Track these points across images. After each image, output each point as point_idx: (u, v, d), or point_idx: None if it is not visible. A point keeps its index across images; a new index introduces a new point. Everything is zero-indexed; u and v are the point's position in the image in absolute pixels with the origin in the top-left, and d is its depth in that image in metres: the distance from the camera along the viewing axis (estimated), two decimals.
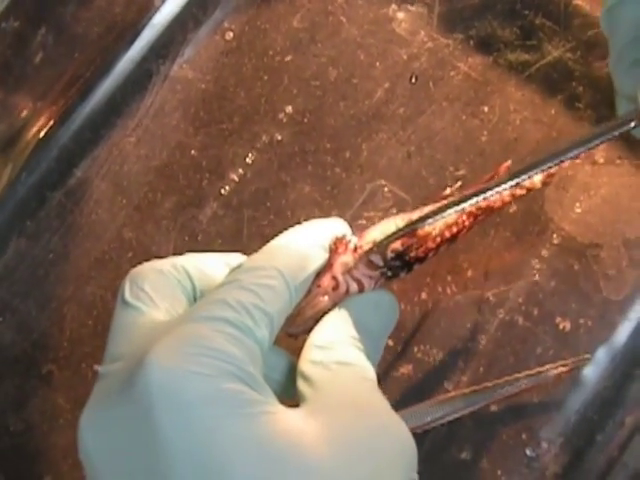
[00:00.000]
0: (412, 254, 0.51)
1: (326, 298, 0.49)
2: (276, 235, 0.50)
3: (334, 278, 0.50)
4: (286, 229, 0.50)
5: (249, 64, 0.69)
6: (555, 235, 0.63)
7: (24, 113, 0.69)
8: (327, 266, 0.50)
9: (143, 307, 0.45)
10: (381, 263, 0.50)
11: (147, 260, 0.48)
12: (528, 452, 0.60)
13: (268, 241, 0.49)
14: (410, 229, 0.50)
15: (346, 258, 0.50)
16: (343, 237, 0.51)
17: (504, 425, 0.61)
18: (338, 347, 0.47)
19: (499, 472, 0.60)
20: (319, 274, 0.50)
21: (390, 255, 0.50)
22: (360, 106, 0.68)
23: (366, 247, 0.51)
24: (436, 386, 0.62)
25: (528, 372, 0.60)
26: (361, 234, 0.52)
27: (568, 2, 0.67)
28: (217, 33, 0.70)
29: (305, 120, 0.68)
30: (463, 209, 0.49)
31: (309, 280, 0.48)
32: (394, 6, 0.69)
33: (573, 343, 0.61)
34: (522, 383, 0.60)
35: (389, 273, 0.51)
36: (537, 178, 0.57)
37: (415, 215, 0.51)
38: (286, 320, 0.48)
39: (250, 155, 0.68)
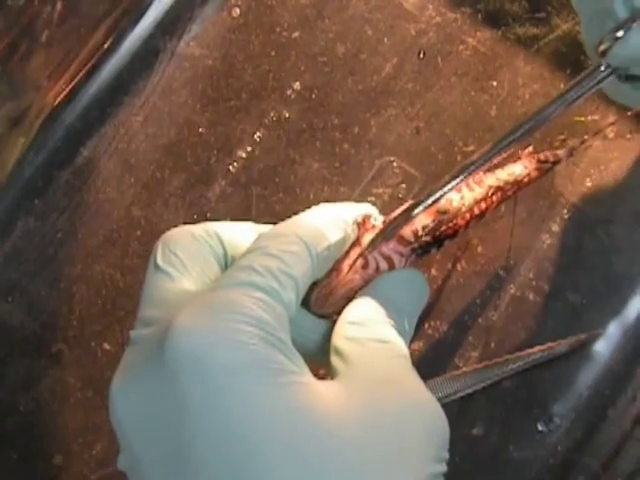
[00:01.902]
0: (442, 229, 0.51)
1: (357, 276, 0.50)
2: (285, 212, 0.50)
3: (363, 256, 0.50)
4: (295, 206, 0.51)
5: (256, 41, 0.70)
6: (565, 210, 0.63)
7: (30, 92, 0.69)
8: (356, 244, 0.50)
9: (174, 272, 0.45)
10: (412, 239, 0.50)
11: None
12: (540, 427, 0.60)
13: (277, 219, 0.49)
14: (429, 200, 0.50)
15: (375, 236, 0.50)
16: (370, 215, 0.51)
17: (516, 400, 0.61)
18: (372, 324, 0.47)
19: (511, 447, 0.60)
20: (348, 252, 0.50)
21: (420, 231, 0.50)
22: (368, 82, 0.68)
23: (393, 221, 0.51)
24: (447, 362, 0.62)
25: (539, 347, 0.61)
26: (388, 215, 0.52)
27: None
28: (224, 10, 0.70)
29: (313, 96, 0.68)
30: (489, 186, 0.51)
31: (331, 250, 0.48)
32: None
33: (584, 318, 0.62)
34: (533, 358, 0.61)
35: (419, 250, 0.51)
36: (561, 151, 0.57)
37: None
38: (318, 301, 0.49)
39: (258, 132, 0.68)
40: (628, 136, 0.64)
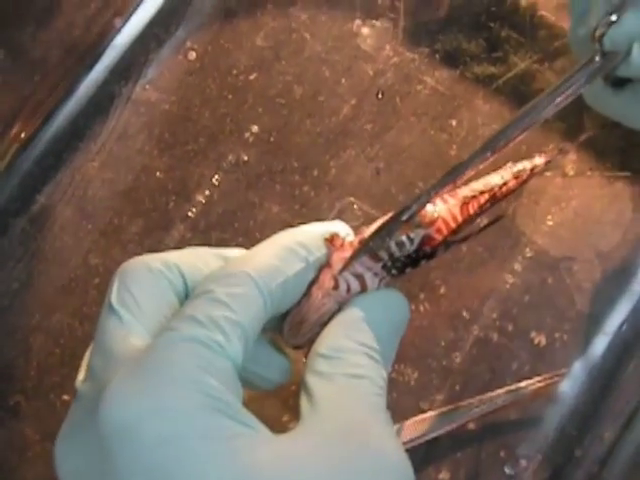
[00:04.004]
0: (418, 246, 0.49)
1: (328, 299, 0.47)
2: None
3: (333, 277, 0.48)
4: None
5: (213, 84, 0.70)
6: (528, 249, 0.64)
7: None
8: (326, 265, 0.48)
9: (126, 315, 0.44)
10: (385, 256, 0.48)
11: None
12: (507, 470, 0.61)
13: None
14: (406, 213, 0.48)
15: (345, 254, 0.48)
16: (339, 234, 0.49)
17: (482, 443, 0.61)
18: (345, 355, 0.45)
19: None
20: (318, 275, 0.48)
21: (393, 248, 0.48)
22: (327, 123, 0.68)
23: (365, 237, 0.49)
24: (412, 406, 0.62)
25: (505, 389, 0.61)
26: (360, 231, 0.50)
27: (533, 13, 0.68)
28: (180, 53, 0.70)
29: (271, 139, 0.68)
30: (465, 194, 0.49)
31: (289, 283, 0.46)
32: (358, 21, 0.69)
33: (549, 358, 0.62)
34: (499, 400, 0.61)
35: (393, 269, 0.49)
36: (539, 158, 0.55)
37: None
38: (290, 331, 0.48)
39: (216, 176, 0.68)
40: (588, 173, 0.64)
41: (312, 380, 0.44)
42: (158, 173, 0.69)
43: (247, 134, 0.69)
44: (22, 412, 0.65)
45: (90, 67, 0.70)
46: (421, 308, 0.63)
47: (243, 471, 0.38)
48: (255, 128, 0.69)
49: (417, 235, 0.48)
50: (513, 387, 0.61)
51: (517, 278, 0.64)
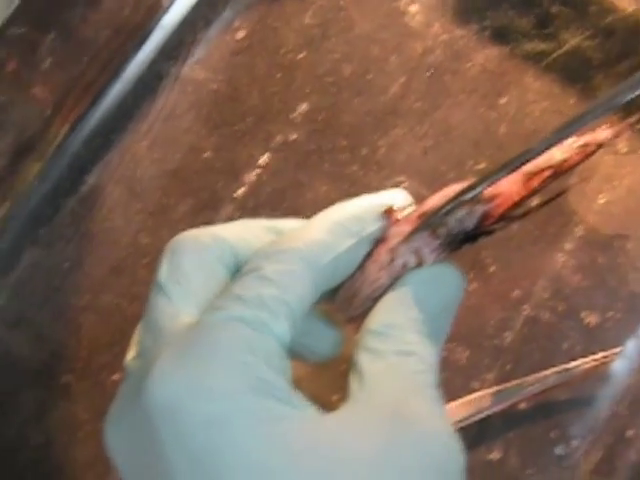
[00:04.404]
0: (478, 221, 0.47)
1: (383, 274, 0.46)
2: None
3: (389, 250, 0.46)
4: None
5: (261, 63, 0.70)
6: (579, 227, 0.63)
7: (35, 121, 0.69)
8: (382, 239, 0.47)
9: (174, 291, 0.43)
10: (444, 232, 0.46)
11: None
12: (558, 451, 0.60)
13: None
14: (471, 193, 0.46)
15: (402, 227, 0.47)
16: (395, 207, 0.47)
17: (533, 423, 0.61)
18: (396, 332, 0.43)
19: (529, 471, 0.60)
20: (374, 249, 0.47)
21: (453, 224, 0.46)
22: (375, 102, 0.68)
23: (425, 212, 0.47)
24: (463, 385, 0.62)
25: (556, 368, 0.61)
26: (419, 205, 0.48)
27: None
28: (228, 32, 0.70)
29: (320, 118, 0.68)
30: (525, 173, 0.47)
31: (341, 259, 0.45)
32: None
33: (601, 338, 0.62)
34: (550, 380, 0.60)
35: (451, 244, 0.47)
36: (603, 132, 0.51)
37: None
38: (342, 303, 0.47)
39: (265, 156, 0.68)
40: None
41: (362, 357, 0.43)
42: (206, 153, 0.69)
43: (295, 113, 0.69)
44: (72, 392, 0.65)
45: (138, 47, 0.71)
46: (471, 287, 0.63)
47: (289, 452, 0.38)
48: (303, 107, 0.69)
49: (477, 211, 0.47)
50: (564, 367, 0.61)
51: (568, 257, 0.63)
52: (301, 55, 0.70)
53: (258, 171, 0.68)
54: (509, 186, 0.48)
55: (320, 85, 0.69)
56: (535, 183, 0.48)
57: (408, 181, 0.66)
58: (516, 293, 0.63)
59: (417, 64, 0.68)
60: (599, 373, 0.61)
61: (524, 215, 0.48)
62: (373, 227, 0.46)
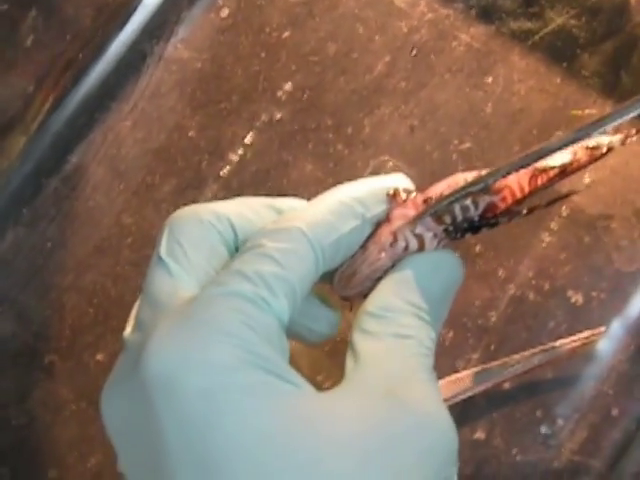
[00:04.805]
0: (483, 212, 0.48)
1: (384, 255, 0.47)
2: None
3: (392, 233, 0.47)
4: None
5: (246, 41, 0.69)
6: (564, 207, 0.63)
7: (16, 99, 0.69)
8: (385, 220, 0.47)
9: (175, 267, 0.43)
10: (448, 219, 0.47)
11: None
12: (543, 429, 0.60)
13: None
14: (480, 185, 0.47)
15: (407, 211, 0.47)
16: (401, 188, 0.48)
17: (518, 403, 0.61)
18: (393, 315, 0.44)
19: (514, 451, 0.60)
20: (376, 230, 0.47)
21: (457, 211, 0.47)
22: (361, 81, 0.67)
23: (430, 198, 0.48)
24: (447, 365, 0.62)
25: (541, 347, 0.61)
26: (425, 190, 0.49)
27: None
28: (212, 11, 0.70)
29: (305, 97, 0.68)
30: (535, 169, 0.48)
31: (343, 240, 0.45)
32: None
33: (586, 317, 0.61)
34: (535, 359, 0.60)
35: (454, 233, 0.48)
36: (616, 137, 0.52)
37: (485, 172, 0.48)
38: (341, 281, 0.47)
39: (250, 135, 0.68)
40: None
41: (359, 338, 0.44)
42: (191, 132, 0.69)
43: (280, 92, 0.68)
44: (56, 372, 0.66)
45: (122, 26, 0.70)
46: None
47: (284, 426, 0.38)
48: (288, 86, 0.68)
49: (482, 201, 0.47)
50: (549, 346, 0.61)
51: (553, 237, 0.63)
52: (286, 34, 0.69)
53: (242, 150, 0.68)
54: (515, 181, 0.48)
55: (305, 64, 0.69)
56: (540, 181, 0.49)
57: (393, 160, 0.66)
58: (501, 273, 0.63)
59: (402, 43, 0.68)
60: (584, 352, 0.61)
61: (529, 212, 0.49)
62: (377, 209, 0.47)
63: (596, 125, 0.43)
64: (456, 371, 0.62)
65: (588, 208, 0.63)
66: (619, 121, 0.43)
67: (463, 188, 0.46)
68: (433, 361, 0.44)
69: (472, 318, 0.63)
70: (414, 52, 0.68)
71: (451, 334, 0.63)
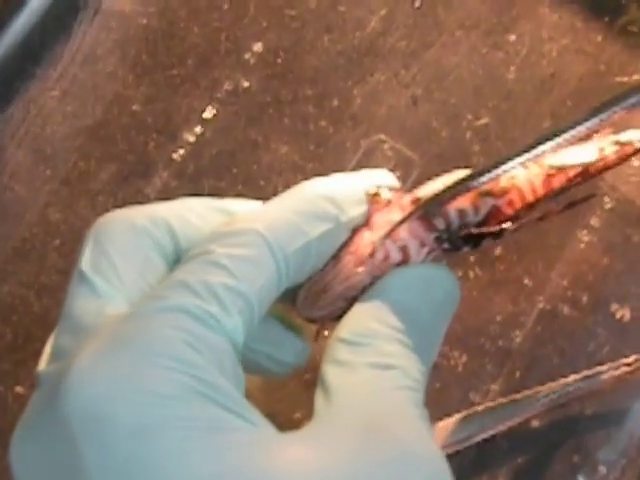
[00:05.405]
0: (483, 218, 0.47)
1: (360, 270, 0.46)
2: None
3: (372, 242, 0.46)
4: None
5: None
6: (607, 198, 0.62)
7: None
8: (365, 225, 0.47)
9: (101, 283, 0.42)
10: (442, 226, 0.46)
11: (79, 249, 0.45)
12: (582, 479, 0.58)
13: None
14: (483, 178, 0.46)
15: (391, 214, 0.47)
16: (384, 187, 0.47)
17: (549, 445, 0.59)
18: (373, 342, 0.43)
19: None
20: (352, 236, 0.47)
21: (453, 216, 0.47)
22: (350, 40, 0.66)
23: (421, 199, 0.47)
24: (459, 398, 0.60)
25: (577, 375, 0.59)
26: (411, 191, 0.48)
27: None
28: None
29: (279, 61, 0.67)
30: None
31: (313, 247, 0.45)
32: None
33: (635, 337, 0.60)
34: (571, 389, 0.59)
35: (447, 243, 0.47)
36: None
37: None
38: (307, 299, 0.47)
39: (209, 108, 0.67)
40: None
41: (330, 370, 0.43)
42: (134, 105, 0.67)
43: (248, 55, 0.67)
44: None
45: None
46: (471, 274, 0.62)
47: (231, 473, 0.37)
48: (258, 47, 0.67)
49: (484, 204, 0.47)
50: (589, 373, 0.59)
51: (594, 235, 0.62)
52: None
53: (200, 128, 0.67)
54: (526, 181, 0.48)
55: (279, 19, 0.68)
56: (558, 183, 0.49)
57: (390, 140, 0.64)
58: (527, 281, 0.61)
59: None
60: (633, 381, 0.60)
61: (541, 219, 0.48)
62: (355, 211, 0.46)
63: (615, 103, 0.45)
64: (471, 405, 0.60)
65: (639, 198, 0.62)
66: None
67: (458, 183, 0.46)
68: (423, 398, 0.43)
69: (491, 338, 0.61)
70: (417, 3, 0.67)
71: (464, 358, 0.61)
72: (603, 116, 0.44)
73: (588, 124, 0.45)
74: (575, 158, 0.50)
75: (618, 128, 0.51)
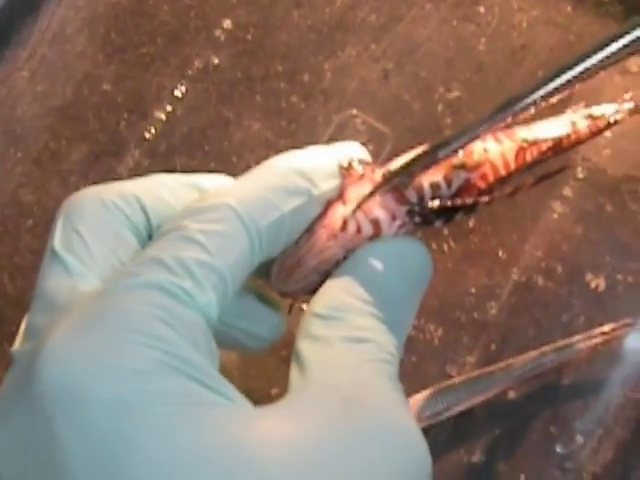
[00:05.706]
0: (457, 191, 0.48)
1: (333, 242, 0.46)
2: None
3: (343, 216, 0.46)
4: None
5: None
6: (580, 168, 0.62)
7: None
8: (337, 199, 0.47)
9: (72, 261, 0.42)
10: (414, 199, 0.46)
11: (51, 229, 0.46)
12: (559, 449, 0.59)
13: None
14: (446, 151, 0.46)
15: (363, 187, 0.47)
16: (357, 159, 0.47)
17: (526, 416, 0.59)
18: (347, 316, 0.44)
19: (523, 477, 0.59)
20: (326, 210, 0.47)
21: (426, 189, 0.47)
22: (319, 15, 0.67)
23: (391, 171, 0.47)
24: (436, 371, 0.61)
25: (554, 346, 0.59)
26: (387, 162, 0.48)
27: None
28: None
29: (249, 37, 0.67)
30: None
31: (287, 221, 0.45)
32: None
33: (610, 306, 0.60)
34: (547, 360, 0.59)
35: (419, 216, 0.47)
36: (624, 105, 0.54)
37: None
38: (280, 273, 0.47)
39: (180, 86, 0.67)
40: None
41: (305, 345, 0.43)
42: (105, 84, 0.67)
43: (218, 31, 0.67)
44: None
45: None
46: (445, 247, 0.62)
47: (209, 448, 0.37)
48: (227, 23, 0.67)
49: (457, 178, 0.47)
50: (564, 343, 0.59)
51: (567, 206, 0.62)
52: None
53: (171, 106, 0.67)
54: (498, 155, 0.49)
55: None
56: (530, 156, 0.50)
57: (362, 114, 0.64)
58: (502, 253, 0.62)
59: None
60: (608, 351, 0.60)
61: (512, 194, 0.49)
62: (328, 185, 0.46)
63: (578, 64, 0.44)
64: (448, 378, 0.60)
65: (610, 168, 0.62)
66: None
67: (428, 152, 0.46)
68: (397, 371, 0.44)
69: (466, 311, 0.61)
70: None
71: (440, 331, 0.61)
72: (562, 80, 0.44)
73: (549, 87, 0.45)
74: (548, 132, 0.51)
75: (590, 102, 0.52)
